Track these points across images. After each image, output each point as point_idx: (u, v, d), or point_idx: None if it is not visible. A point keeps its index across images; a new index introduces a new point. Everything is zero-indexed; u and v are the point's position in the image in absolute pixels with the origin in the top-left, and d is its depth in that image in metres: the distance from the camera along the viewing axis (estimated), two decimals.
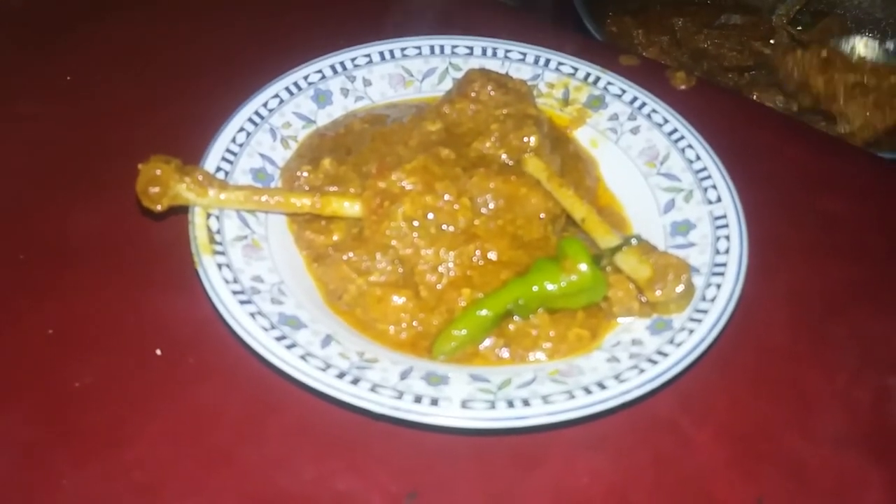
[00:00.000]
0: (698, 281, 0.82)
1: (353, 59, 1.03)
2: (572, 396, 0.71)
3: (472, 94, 0.95)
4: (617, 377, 0.73)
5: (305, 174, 0.90)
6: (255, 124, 0.94)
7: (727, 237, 0.85)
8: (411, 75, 1.05)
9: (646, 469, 0.76)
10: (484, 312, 0.78)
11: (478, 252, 0.84)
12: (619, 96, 1.02)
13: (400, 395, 0.70)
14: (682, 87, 1.17)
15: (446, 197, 0.84)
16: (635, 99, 1.01)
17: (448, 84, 1.03)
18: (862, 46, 1.63)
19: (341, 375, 0.71)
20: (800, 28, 1.60)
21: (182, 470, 0.73)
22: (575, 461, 0.75)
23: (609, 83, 1.03)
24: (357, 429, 0.76)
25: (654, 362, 0.74)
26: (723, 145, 0.98)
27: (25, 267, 0.88)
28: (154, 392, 0.78)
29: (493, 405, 0.70)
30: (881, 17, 1.65)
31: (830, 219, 1.01)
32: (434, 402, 0.70)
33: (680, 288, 0.78)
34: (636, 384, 0.72)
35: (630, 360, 0.75)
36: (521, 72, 1.05)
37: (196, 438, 0.75)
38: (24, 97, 1.09)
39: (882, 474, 0.77)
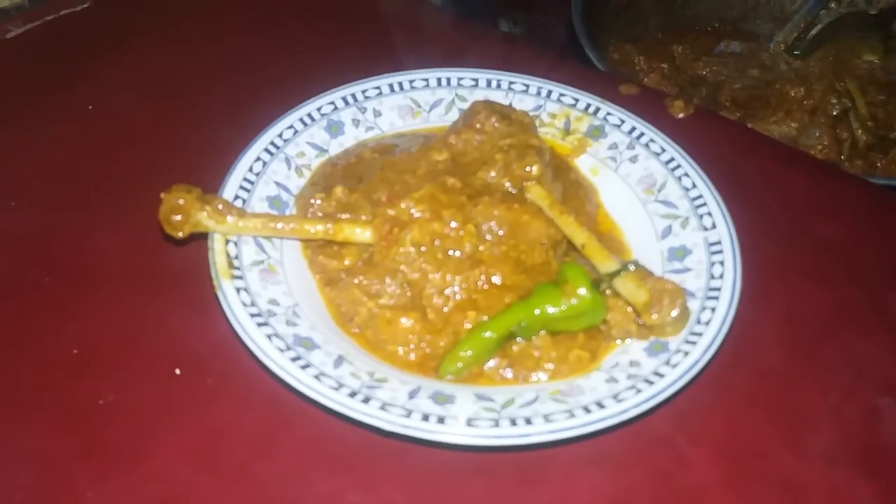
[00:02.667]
0: (694, 305, 0.85)
1: (363, 91, 1.07)
2: (572, 415, 0.74)
3: (478, 126, 0.99)
4: (615, 397, 0.76)
5: (319, 202, 0.94)
6: (271, 154, 0.98)
7: (721, 262, 0.88)
8: (419, 106, 1.09)
9: (643, 486, 0.78)
10: (488, 334, 0.81)
11: (483, 276, 0.87)
12: (619, 126, 1.06)
13: (408, 414, 0.73)
14: (681, 115, 1.21)
15: (452, 224, 0.88)
16: (634, 129, 1.05)
17: (455, 115, 1.07)
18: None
19: (353, 394, 0.75)
20: (797, 54, 1.63)
21: (200, 484, 0.76)
22: (575, 477, 0.78)
23: (609, 113, 1.07)
24: (368, 446, 0.79)
25: (651, 383, 0.77)
26: (720, 172, 1.02)
27: (51, 289, 0.91)
28: (173, 409, 0.81)
29: (497, 423, 0.73)
30: None
31: (825, 243, 1.04)
32: (441, 420, 0.73)
33: (675, 312, 0.81)
34: (633, 404, 0.75)
35: (628, 380, 0.78)
36: (524, 103, 1.09)
37: (213, 454, 0.78)
38: (47, 123, 1.13)
39: (872, 490, 0.80)
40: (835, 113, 1.46)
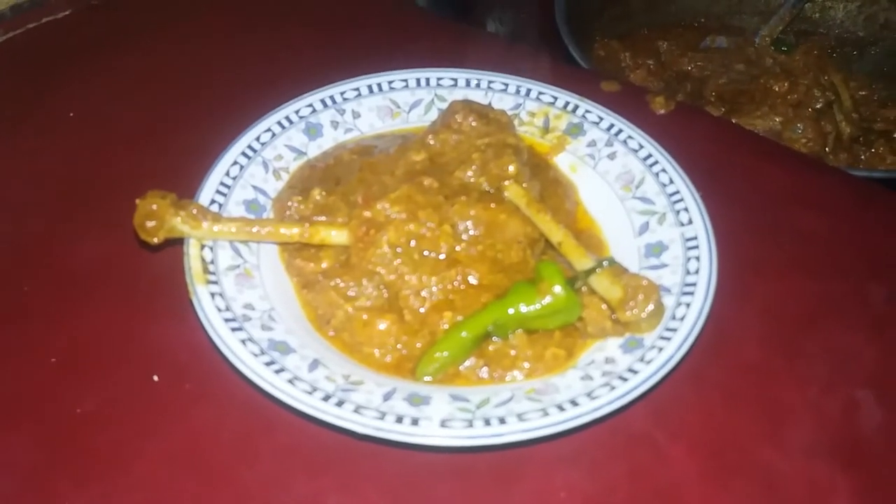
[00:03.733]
0: (669, 300, 0.85)
1: (342, 93, 1.08)
2: (546, 414, 0.74)
3: (455, 125, 0.99)
4: (589, 394, 0.76)
5: (296, 204, 0.94)
6: (249, 157, 0.98)
7: (697, 258, 0.88)
8: (398, 107, 1.09)
9: (621, 482, 0.78)
10: (464, 334, 0.81)
11: (459, 277, 0.87)
12: (597, 123, 1.06)
13: (382, 416, 0.74)
14: (662, 111, 1.21)
15: (429, 224, 0.88)
16: (612, 126, 1.05)
17: (434, 115, 1.07)
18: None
19: (327, 398, 0.75)
20: (784, 49, 1.63)
21: (180, 490, 0.76)
22: (552, 476, 0.78)
23: (587, 111, 1.07)
24: (345, 448, 0.79)
25: (625, 379, 0.77)
26: (701, 167, 1.02)
27: (29, 297, 0.92)
28: (152, 416, 0.82)
29: (471, 424, 0.73)
30: (863, 35, 1.69)
31: (805, 237, 1.04)
32: (415, 421, 0.73)
33: (650, 308, 0.81)
34: (606, 401, 0.75)
35: (602, 377, 0.78)
36: (503, 102, 1.09)
37: (193, 460, 0.79)
38: (27, 131, 1.13)
39: (850, 482, 0.80)
40: (819, 106, 1.45)
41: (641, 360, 0.79)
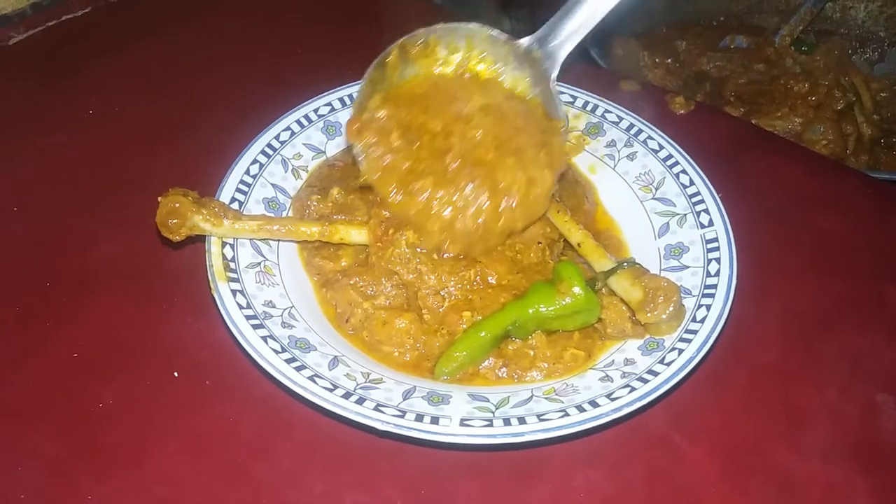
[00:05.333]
0: (689, 302, 0.85)
1: None
2: (566, 414, 0.74)
3: None
4: (609, 395, 0.76)
5: (315, 203, 0.95)
6: (268, 156, 0.98)
7: (718, 260, 0.88)
8: None
9: (640, 483, 0.79)
10: (483, 334, 0.82)
11: (478, 277, 0.87)
12: (617, 123, 1.06)
13: (403, 414, 0.74)
14: (682, 111, 1.20)
15: None
16: (632, 126, 1.05)
17: None
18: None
19: (347, 395, 0.75)
20: (804, 49, 1.61)
21: (200, 485, 0.77)
22: (571, 476, 0.78)
23: (607, 111, 1.07)
24: (364, 446, 0.79)
25: (645, 381, 0.77)
26: (720, 168, 1.02)
27: (52, 294, 0.93)
28: (172, 411, 0.82)
29: (490, 423, 0.74)
30: (884, 35, 1.67)
31: (824, 238, 1.04)
32: (435, 420, 0.74)
33: (670, 309, 0.81)
34: (626, 402, 0.75)
35: (622, 378, 0.78)
36: None
37: (213, 455, 0.79)
38: (48, 129, 1.14)
39: (867, 485, 0.79)
40: (839, 107, 1.44)
41: (661, 361, 0.79)
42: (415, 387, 0.79)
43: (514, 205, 0.85)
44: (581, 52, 1.42)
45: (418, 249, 0.87)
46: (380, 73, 0.90)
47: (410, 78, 0.92)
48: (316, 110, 1.04)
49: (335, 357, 0.81)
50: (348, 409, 0.74)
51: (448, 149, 0.85)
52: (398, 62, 0.90)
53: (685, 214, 0.95)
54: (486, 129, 0.87)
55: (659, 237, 0.95)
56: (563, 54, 0.89)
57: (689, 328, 0.82)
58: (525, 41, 0.90)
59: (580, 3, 0.88)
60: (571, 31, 0.88)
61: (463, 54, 0.92)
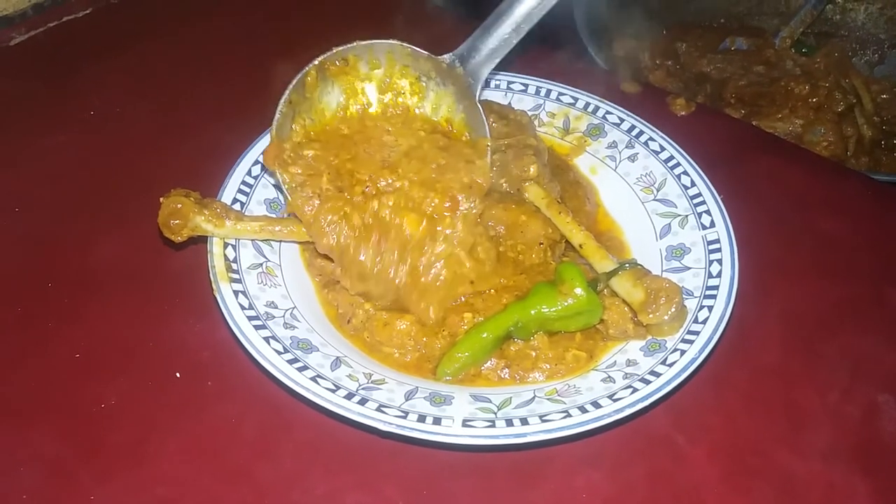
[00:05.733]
0: (691, 303, 0.85)
1: None
2: (568, 415, 0.74)
3: None
4: (611, 396, 0.76)
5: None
6: None
7: (719, 261, 0.88)
8: None
9: (641, 484, 0.79)
10: (485, 335, 0.82)
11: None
12: (618, 125, 1.06)
13: (405, 415, 0.74)
14: (682, 113, 1.21)
15: None
16: (633, 127, 1.05)
17: None
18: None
19: (350, 396, 0.75)
20: (804, 51, 1.61)
21: (202, 485, 0.77)
22: (573, 477, 0.78)
23: (608, 112, 1.07)
24: (366, 447, 0.79)
25: (647, 382, 0.77)
26: (721, 170, 1.02)
27: (53, 294, 0.93)
28: (174, 412, 0.82)
29: (493, 423, 0.74)
30: (884, 37, 1.68)
31: (825, 240, 1.04)
32: (437, 421, 0.74)
33: (672, 310, 0.81)
34: (628, 403, 0.75)
35: (624, 379, 0.79)
36: (523, 102, 1.09)
37: (215, 456, 0.79)
38: (49, 129, 1.14)
39: (869, 486, 0.79)
40: (840, 109, 1.44)
41: (663, 362, 0.79)
42: (417, 387, 0.79)
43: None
44: (582, 54, 1.43)
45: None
46: (299, 94, 0.90)
47: (336, 112, 0.93)
48: None
49: (337, 358, 0.81)
50: (350, 410, 0.74)
51: (376, 196, 0.87)
52: (317, 81, 0.90)
53: (686, 216, 0.95)
54: (410, 176, 0.88)
55: (660, 238, 0.95)
56: (485, 72, 0.89)
57: (690, 329, 0.82)
58: (447, 57, 0.90)
59: (499, 21, 0.87)
60: (492, 50, 0.88)
61: (385, 70, 0.92)
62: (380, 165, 0.89)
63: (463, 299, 0.86)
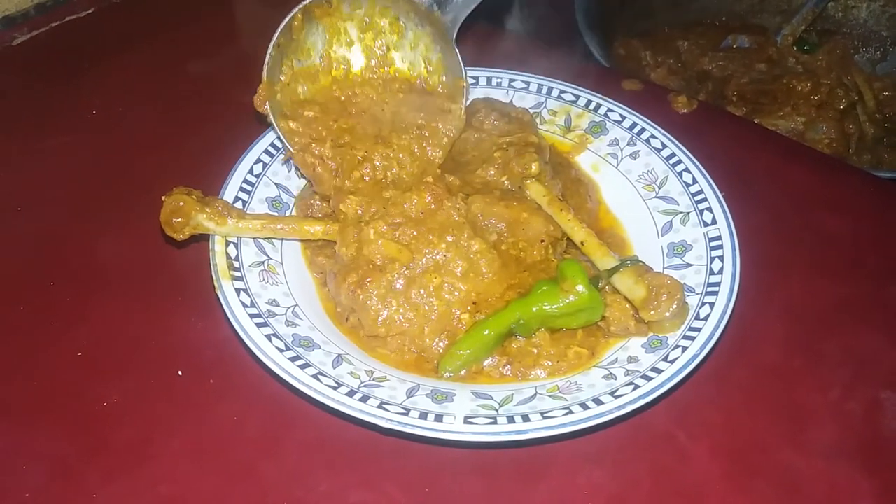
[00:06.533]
0: (693, 300, 0.85)
1: None
2: (570, 412, 0.74)
3: (477, 124, 0.99)
4: (612, 393, 0.76)
5: (318, 202, 0.95)
6: (272, 155, 0.99)
7: (721, 258, 0.88)
8: None
9: (643, 481, 0.79)
10: (487, 332, 0.82)
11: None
12: (619, 122, 1.06)
13: (406, 412, 0.74)
14: (684, 110, 1.21)
15: None
16: (634, 125, 1.05)
17: None
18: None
19: (351, 393, 0.75)
20: (806, 48, 1.61)
21: (205, 483, 0.77)
22: (575, 474, 0.78)
23: (609, 110, 1.07)
24: (368, 444, 0.79)
25: (649, 378, 0.77)
26: (723, 167, 1.02)
27: (56, 293, 0.93)
28: (177, 411, 0.83)
29: (494, 420, 0.74)
30: (887, 35, 1.67)
31: (827, 237, 1.04)
32: (439, 417, 0.74)
33: (673, 307, 0.81)
34: (630, 399, 0.75)
35: (626, 376, 0.79)
36: (524, 100, 1.09)
37: (216, 454, 0.79)
38: (52, 129, 1.15)
39: (872, 484, 0.79)
40: (842, 106, 1.45)
41: (665, 359, 0.79)
42: (418, 385, 0.79)
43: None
44: (584, 52, 1.43)
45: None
46: (286, 37, 0.93)
47: (324, 56, 0.97)
48: None
49: (339, 355, 0.81)
50: (352, 407, 0.74)
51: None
52: (303, 24, 0.93)
53: (688, 213, 0.95)
54: (403, 145, 0.93)
55: (662, 235, 0.95)
56: (461, 16, 0.93)
57: (692, 326, 0.82)
58: (425, 0, 0.93)
59: None
60: None
61: (365, 10, 0.96)
62: (374, 140, 0.93)
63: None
